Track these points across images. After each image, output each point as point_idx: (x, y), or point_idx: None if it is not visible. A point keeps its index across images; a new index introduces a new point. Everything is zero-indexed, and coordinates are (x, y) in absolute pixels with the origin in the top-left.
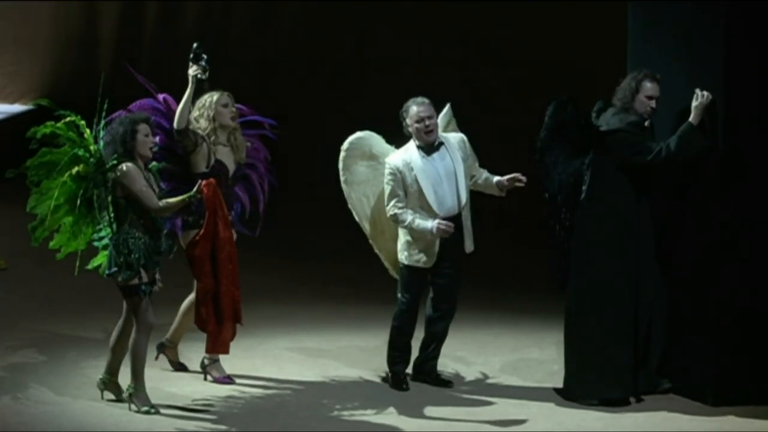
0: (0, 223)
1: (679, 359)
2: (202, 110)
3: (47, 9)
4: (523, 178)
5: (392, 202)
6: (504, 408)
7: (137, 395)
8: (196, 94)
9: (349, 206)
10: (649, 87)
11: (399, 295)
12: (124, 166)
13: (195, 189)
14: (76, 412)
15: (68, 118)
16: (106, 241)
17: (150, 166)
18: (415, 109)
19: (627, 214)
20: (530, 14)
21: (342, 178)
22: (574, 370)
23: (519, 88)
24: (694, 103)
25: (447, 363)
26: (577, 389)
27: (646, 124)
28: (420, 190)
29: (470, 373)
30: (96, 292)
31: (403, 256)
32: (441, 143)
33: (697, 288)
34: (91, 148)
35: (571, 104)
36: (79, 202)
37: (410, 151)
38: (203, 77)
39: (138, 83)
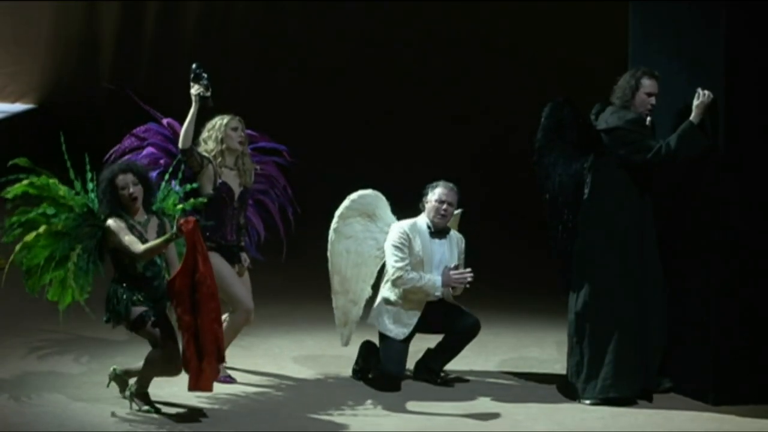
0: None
1: (680, 359)
2: (211, 131)
3: (48, 9)
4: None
5: (399, 264)
6: (504, 407)
7: (138, 395)
8: (201, 113)
9: (327, 253)
10: (648, 84)
11: (382, 360)
12: (106, 222)
13: (174, 227)
14: (77, 411)
15: (42, 177)
16: None
17: (181, 205)
18: (441, 190)
19: (629, 214)
20: (530, 14)
21: (333, 226)
22: (575, 370)
23: (518, 87)
24: (695, 102)
25: None
26: (579, 388)
27: (647, 122)
28: (422, 262)
29: (470, 373)
30: (97, 292)
31: (377, 322)
32: (448, 232)
33: (698, 287)
34: (71, 203)
35: (567, 105)
36: (58, 257)
37: (419, 224)
38: (206, 95)
39: (137, 85)
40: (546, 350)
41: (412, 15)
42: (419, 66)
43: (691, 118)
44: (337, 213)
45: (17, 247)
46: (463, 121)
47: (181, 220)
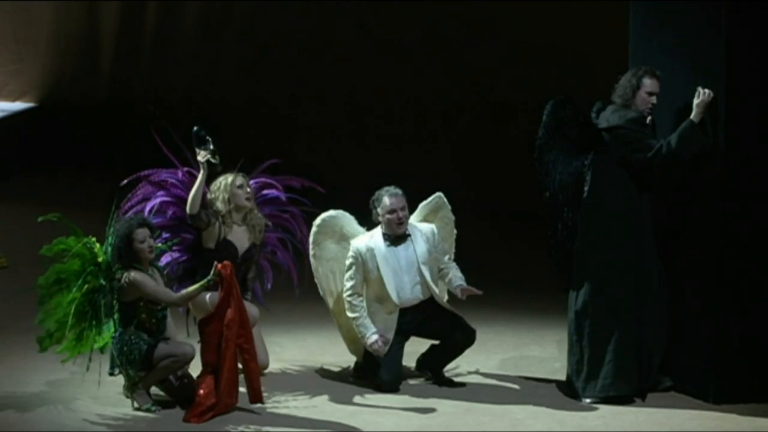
0: (1, 222)
1: (681, 357)
2: (216, 193)
3: (48, 7)
4: (479, 293)
5: (349, 290)
6: (505, 406)
7: (140, 393)
8: (210, 177)
9: (315, 280)
10: (649, 83)
11: (376, 369)
12: (129, 276)
13: (212, 272)
14: (78, 410)
15: (83, 240)
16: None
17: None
18: (387, 200)
19: (629, 213)
20: (532, 13)
21: (311, 252)
22: (576, 368)
23: (519, 85)
24: (695, 101)
25: None
26: (580, 387)
27: (648, 120)
28: (380, 278)
29: (471, 371)
30: None
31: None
32: (408, 235)
33: (699, 286)
34: (100, 260)
35: (569, 103)
36: (88, 314)
37: (375, 238)
38: (214, 161)
39: (138, 75)
40: (546, 349)
41: (412, 14)
42: (419, 62)
43: (692, 116)
44: (310, 240)
45: (51, 305)
46: (464, 119)
47: (219, 266)
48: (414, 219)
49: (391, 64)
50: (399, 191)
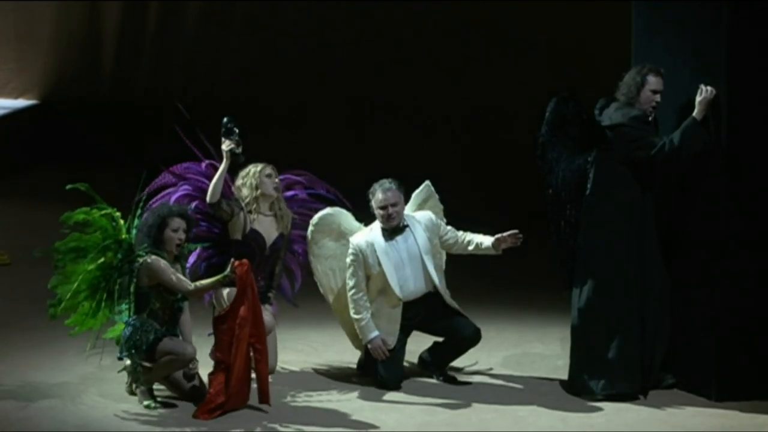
0: (3, 219)
1: (683, 355)
2: (245, 179)
3: (50, 6)
4: (520, 236)
5: (353, 289)
6: (507, 403)
7: (142, 390)
8: (232, 168)
9: (315, 278)
10: (653, 81)
11: (377, 367)
12: (149, 259)
13: (228, 269)
14: (80, 408)
15: (105, 210)
16: (124, 319)
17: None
18: (380, 195)
19: (631, 210)
20: (534, 12)
21: (309, 251)
22: (579, 366)
23: (521, 84)
24: (698, 98)
25: None
26: (582, 384)
27: (650, 118)
28: (382, 273)
29: (473, 368)
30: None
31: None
32: (406, 226)
33: (701, 283)
34: (122, 237)
35: (572, 100)
36: (101, 289)
37: (374, 232)
38: (237, 151)
39: (141, 74)
40: (549, 346)
41: (414, 13)
42: (422, 59)
43: (694, 114)
44: (307, 239)
45: (66, 271)
46: (468, 115)
47: (236, 263)
48: (409, 209)
49: (393, 63)
50: (393, 185)
